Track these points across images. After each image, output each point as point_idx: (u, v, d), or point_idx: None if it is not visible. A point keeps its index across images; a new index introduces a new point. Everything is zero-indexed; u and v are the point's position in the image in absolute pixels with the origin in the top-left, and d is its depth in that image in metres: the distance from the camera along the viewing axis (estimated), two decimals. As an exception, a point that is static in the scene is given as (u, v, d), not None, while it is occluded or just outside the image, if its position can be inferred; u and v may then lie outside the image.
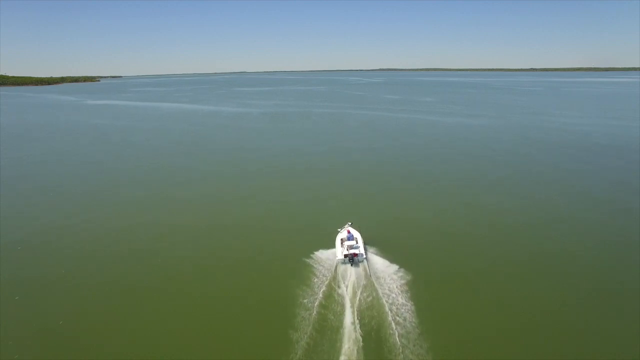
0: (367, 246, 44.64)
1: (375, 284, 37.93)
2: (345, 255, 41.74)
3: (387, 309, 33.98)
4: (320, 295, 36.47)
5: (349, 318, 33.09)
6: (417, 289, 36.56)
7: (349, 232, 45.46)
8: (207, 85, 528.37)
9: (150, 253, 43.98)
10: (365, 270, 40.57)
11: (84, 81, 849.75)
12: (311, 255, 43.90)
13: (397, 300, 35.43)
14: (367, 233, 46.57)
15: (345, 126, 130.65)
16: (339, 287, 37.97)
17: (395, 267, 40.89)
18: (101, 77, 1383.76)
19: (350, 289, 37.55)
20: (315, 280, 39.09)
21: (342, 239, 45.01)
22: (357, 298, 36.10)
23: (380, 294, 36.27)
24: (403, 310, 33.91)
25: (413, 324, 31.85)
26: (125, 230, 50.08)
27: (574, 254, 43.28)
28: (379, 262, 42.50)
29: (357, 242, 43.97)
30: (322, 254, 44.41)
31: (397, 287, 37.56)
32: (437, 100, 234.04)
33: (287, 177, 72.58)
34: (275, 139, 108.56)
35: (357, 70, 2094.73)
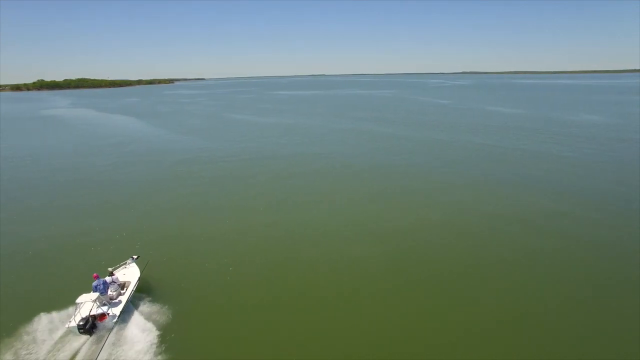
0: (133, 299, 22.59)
1: None
2: (82, 322, 18.97)
3: None
4: None
5: None
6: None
7: (96, 276, 22.23)
8: (235, 89, 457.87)
9: None
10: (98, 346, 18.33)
11: (159, 83, 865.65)
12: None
13: None
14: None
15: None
16: None
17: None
18: (187, 79, 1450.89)
19: None
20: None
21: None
22: None
23: None
24: None
25: None
26: None
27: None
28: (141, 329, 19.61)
29: (114, 296, 21.47)
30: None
31: None
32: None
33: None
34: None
35: (431, 73, 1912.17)
